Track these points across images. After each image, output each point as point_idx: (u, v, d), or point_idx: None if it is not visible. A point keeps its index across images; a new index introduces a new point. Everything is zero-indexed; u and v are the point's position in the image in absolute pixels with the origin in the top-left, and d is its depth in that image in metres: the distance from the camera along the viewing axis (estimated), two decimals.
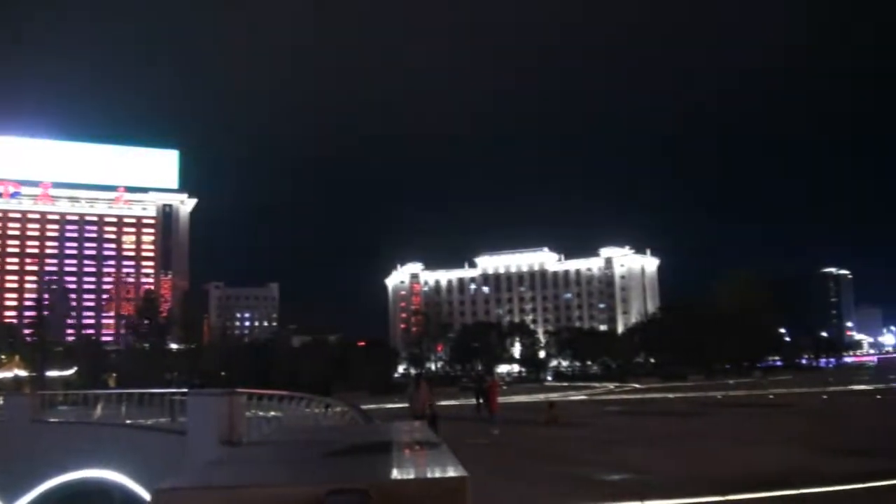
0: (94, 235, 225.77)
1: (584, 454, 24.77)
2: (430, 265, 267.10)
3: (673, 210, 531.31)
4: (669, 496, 15.22)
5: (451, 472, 3.31)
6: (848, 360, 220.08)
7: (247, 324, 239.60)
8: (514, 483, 18.99)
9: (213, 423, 20.11)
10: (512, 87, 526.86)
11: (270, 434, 8.10)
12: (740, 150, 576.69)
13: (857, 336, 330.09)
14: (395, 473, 3.46)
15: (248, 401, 24.84)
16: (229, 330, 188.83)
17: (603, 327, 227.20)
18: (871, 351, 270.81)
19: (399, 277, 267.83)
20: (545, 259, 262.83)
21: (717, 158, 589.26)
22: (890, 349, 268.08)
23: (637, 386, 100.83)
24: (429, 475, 3.47)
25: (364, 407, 49.74)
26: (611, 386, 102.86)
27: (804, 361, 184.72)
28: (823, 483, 16.08)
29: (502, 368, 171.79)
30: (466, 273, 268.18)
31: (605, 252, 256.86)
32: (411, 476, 3.40)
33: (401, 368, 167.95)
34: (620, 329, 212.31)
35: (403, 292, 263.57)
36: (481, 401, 45.33)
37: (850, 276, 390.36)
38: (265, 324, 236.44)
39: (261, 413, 26.73)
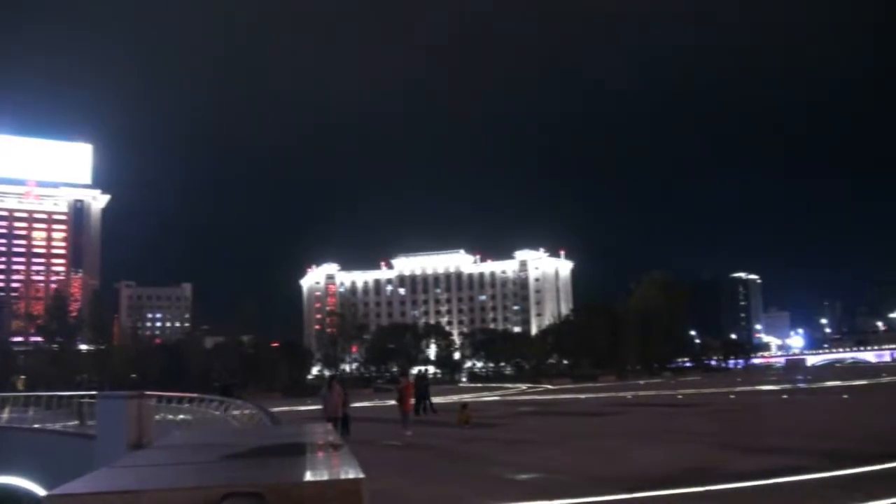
0: (4, 231, 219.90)
1: (496, 454, 24.85)
2: (346, 266, 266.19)
3: (588, 214, 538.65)
4: (579, 494, 15.36)
5: (348, 474, 3.33)
6: (756, 361, 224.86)
7: (158, 324, 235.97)
8: (424, 484, 18.99)
9: (122, 426, 19.78)
10: (426, 87, 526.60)
11: (176, 437, 8.00)
12: (656, 155, 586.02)
13: (766, 338, 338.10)
14: (292, 476, 3.46)
15: (157, 403, 24.52)
16: (140, 331, 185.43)
17: (517, 329, 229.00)
18: (779, 353, 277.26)
19: (314, 278, 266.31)
20: (461, 261, 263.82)
21: (633, 162, 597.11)
22: (797, 351, 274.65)
23: (549, 387, 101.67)
24: (325, 477, 3.47)
25: (277, 409, 49.42)
26: (524, 387, 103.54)
27: (713, 363, 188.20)
28: (728, 480, 16.38)
29: (417, 370, 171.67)
30: (383, 274, 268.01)
31: (521, 255, 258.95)
32: (308, 478, 3.40)
33: (315, 370, 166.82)
34: (534, 331, 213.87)
35: (319, 293, 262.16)
36: (425, 402, 45.37)
37: (759, 281, 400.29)
38: (177, 324, 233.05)
39: (170, 416, 26.38)
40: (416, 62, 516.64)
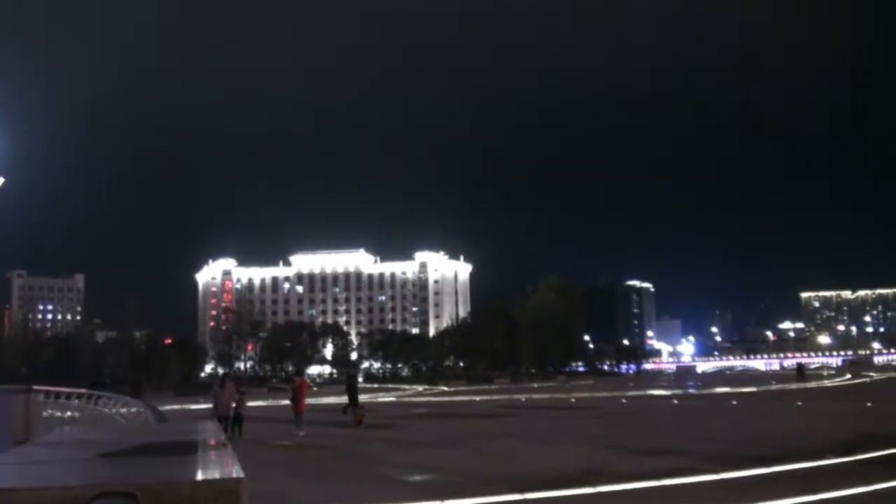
0: None
1: (390, 455, 24.76)
2: (243, 262, 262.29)
3: (489, 218, 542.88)
4: (470, 495, 15.36)
5: (226, 474, 3.24)
6: (648, 367, 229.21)
7: (49, 316, 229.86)
8: (313, 485, 18.76)
9: (8, 422, 19.19)
10: (333, 86, 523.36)
11: (60, 433, 7.73)
12: (559, 163, 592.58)
13: (658, 345, 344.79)
14: (169, 475, 3.35)
15: (46, 399, 23.81)
16: (31, 322, 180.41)
17: (415, 330, 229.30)
18: (671, 359, 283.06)
19: (210, 273, 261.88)
20: (361, 261, 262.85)
21: (537, 169, 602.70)
22: (688, 358, 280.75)
23: (445, 388, 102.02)
24: (203, 476, 3.37)
25: (168, 408, 48.60)
26: (420, 388, 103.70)
27: (606, 367, 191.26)
28: (617, 481, 16.60)
29: (314, 369, 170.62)
30: (281, 271, 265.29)
31: (421, 256, 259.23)
32: (185, 477, 3.29)
33: (209, 368, 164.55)
34: (432, 332, 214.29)
35: (215, 289, 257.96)
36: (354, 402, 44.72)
37: (652, 289, 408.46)
38: (69, 317, 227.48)
39: (58, 413, 25.60)
40: (325, 58, 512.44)
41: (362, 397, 48.80)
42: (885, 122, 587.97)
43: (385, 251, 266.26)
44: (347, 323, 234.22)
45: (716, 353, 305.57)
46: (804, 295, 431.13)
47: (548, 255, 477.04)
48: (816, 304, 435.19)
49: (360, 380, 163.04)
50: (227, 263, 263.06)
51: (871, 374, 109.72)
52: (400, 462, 22.44)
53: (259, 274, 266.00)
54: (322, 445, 28.49)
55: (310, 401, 59.57)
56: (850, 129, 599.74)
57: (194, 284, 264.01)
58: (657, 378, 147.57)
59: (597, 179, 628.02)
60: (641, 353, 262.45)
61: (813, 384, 77.69)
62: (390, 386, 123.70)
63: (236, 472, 3.20)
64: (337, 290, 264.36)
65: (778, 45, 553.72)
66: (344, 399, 42.68)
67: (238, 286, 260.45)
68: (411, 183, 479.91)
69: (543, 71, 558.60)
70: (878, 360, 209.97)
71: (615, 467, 19.39)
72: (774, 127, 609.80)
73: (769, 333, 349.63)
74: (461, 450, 25.87)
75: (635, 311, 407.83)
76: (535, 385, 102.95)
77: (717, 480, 16.84)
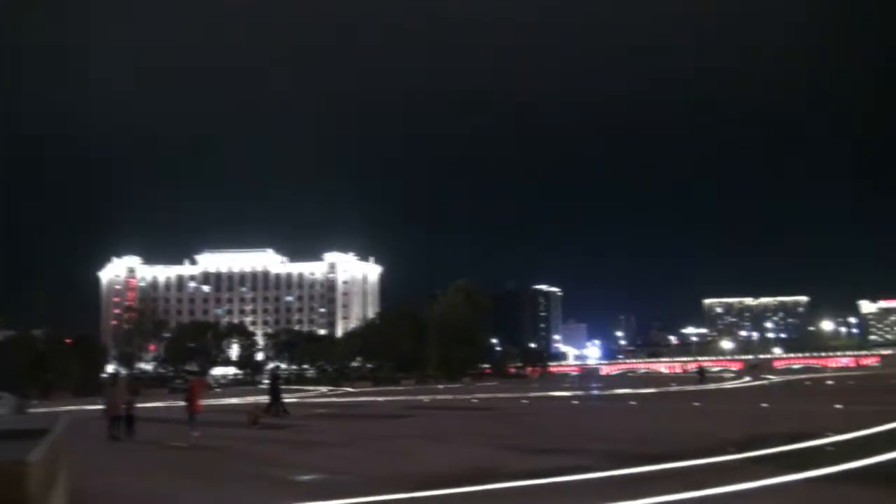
0: None
1: (286, 455, 24.51)
2: (148, 260, 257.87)
3: (399, 221, 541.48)
4: (361, 494, 15.18)
5: (15, 458, 2.98)
6: (553, 369, 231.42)
7: None
8: (200, 486, 18.38)
9: None
10: (246, 80, 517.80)
11: None
12: (472, 167, 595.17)
13: (564, 348, 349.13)
14: None
15: None
16: None
17: (323, 331, 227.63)
18: (576, 362, 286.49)
19: (114, 271, 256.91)
20: (269, 260, 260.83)
21: (449, 172, 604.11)
22: (593, 360, 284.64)
23: (350, 389, 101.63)
24: None
25: (66, 408, 47.47)
26: (324, 389, 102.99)
27: (512, 370, 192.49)
28: (511, 479, 16.59)
29: (219, 370, 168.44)
30: (186, 270, 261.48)
31: (330, 257, 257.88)
32: None
33: (110, 368, 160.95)
34: (340, 333, 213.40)
35: (118, 287, 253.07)
36: (278, 403, 43.94)
37: (560, 294, 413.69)
38: None
39: None
40: (232, 56, 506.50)
41: (263, 399, 48.35)
42: (797, 128, 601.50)
43: (294, 251, 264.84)
44: (254, 323, 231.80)
45: (620, 356, 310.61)
46: (707, 301, 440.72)
47: (458, 259, 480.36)
48: (719, 309, 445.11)
49: (266, 381, 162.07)
50: (132, 261, 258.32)
51: (770, 377, 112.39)
52: (293, 462, 22.15)
53: (164, 272, 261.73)
54: (216, 447, 27.92)
55: (211, 402, 59.14)
56: (761, 135, 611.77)
57: (98, 282, 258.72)
58: (561, 380, 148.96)
59: (508, 185, 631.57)
60: (547, 355, 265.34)
61: (713, 386, 79.18)
62: (294, 387, 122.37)
63: (33, 457, 2.93)
64: (244, 289, 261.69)
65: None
66: (250, 400, 42.16)
67: (142, 284, 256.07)
68: (322, 183, 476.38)
69: (463, 74, 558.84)
70: (777, 364, 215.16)
71: (508, 466, 19.40)
72: (682, 134, 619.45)
73: (672, 338, 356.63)
74: (357, 450, 25.68)
75: (543, 314, 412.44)
76: (440, 386, 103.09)
77: (608, 477, 16.95)
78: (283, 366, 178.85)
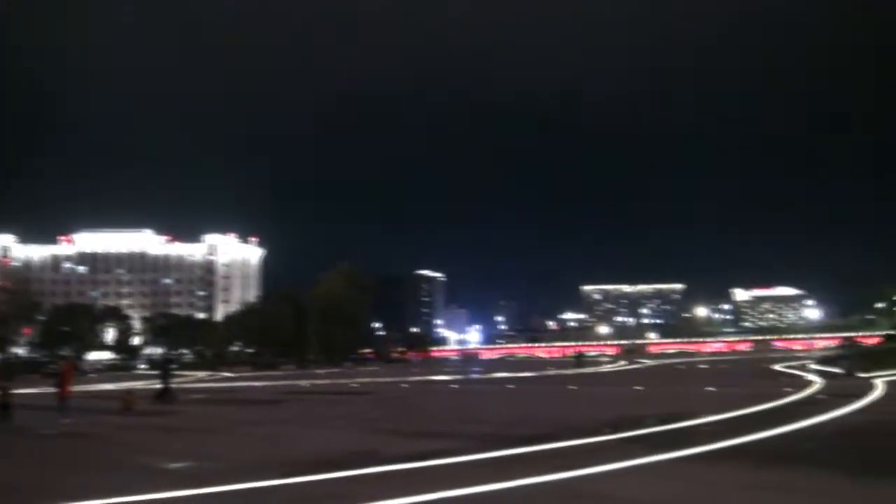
0: None
1: (158, 443, 23.92)
2: (24, 238, 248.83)
3: (282, 203, 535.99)
4: (233, 481, 14.84)
5: None
6: (435, 354, 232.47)
7: None
8: (70, 474, 17.73)
9: None
10: (120, 62, 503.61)
11: None
12: (361, 152, 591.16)
13: (446, 333, 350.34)
14: None
15: None
16: None
17: (202, 315, 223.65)
18: (457, 346, 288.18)
19: None
20: (148, 241, 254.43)
21: (336, 156, 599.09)
22: (474, 345, 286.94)
23: (229, 374, 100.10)
24: None
25: None
26: (202, 374, 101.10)
27: (394, 354, 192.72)
28: (386, 463, 16.49)
29: (94, 355, 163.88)
30: (62, 250, 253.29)
31: (210, 239, 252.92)
32: None
33: None
34: (219, 317, 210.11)
35: None
36: (167, 388, 42.79)
37: (443, 279, 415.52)
38: None
39: None
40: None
41: (138, 384, 47.30)
42: (681, 125, 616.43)
43: (173, 232, 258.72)
44: (131, 306, 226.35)
45: (500, 340, 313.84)
46: (585, 288, 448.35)
47: (342, 244, 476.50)
48: (597, 296, 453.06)
49: (142, 366, 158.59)
50: (6, 239, 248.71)
51: (646, 361, 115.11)
52: (164, 449, 21.66)
53: (38, 252, 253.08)
54: (86, 433, 27.07)
55: (85, 388, 57.36)
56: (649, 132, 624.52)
57: None
58: (442, 364, 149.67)
59: (394, 171, 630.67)
60: (429, 340, 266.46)
61: (589, 370, 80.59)
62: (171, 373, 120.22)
63: None
64: (121, 271, 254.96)
65: None
66: (125, 386, 41.05)
67: (15, 264, 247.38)
68: (204, 162, 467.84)
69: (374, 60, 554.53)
70: (653, 348, 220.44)
71: (383, 450, 19.28)
72: (566, 125, 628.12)
73: (552, 323, 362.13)
74: (232, 436, 25.29)
75: (426, 299, 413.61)
76: (321, 371, 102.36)
77: (483, 460, 17.02)
78: (160, 350, 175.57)
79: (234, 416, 34.46)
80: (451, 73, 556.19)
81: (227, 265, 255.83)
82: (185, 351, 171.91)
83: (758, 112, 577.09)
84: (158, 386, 44.41)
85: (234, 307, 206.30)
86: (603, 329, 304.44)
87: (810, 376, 51.08)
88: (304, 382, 66.99)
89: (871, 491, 13.17)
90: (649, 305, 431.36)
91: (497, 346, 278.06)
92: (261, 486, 14.49)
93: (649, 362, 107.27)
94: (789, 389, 38.02)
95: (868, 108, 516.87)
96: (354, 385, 60.09)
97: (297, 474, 15.30)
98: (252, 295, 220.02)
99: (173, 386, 44.59)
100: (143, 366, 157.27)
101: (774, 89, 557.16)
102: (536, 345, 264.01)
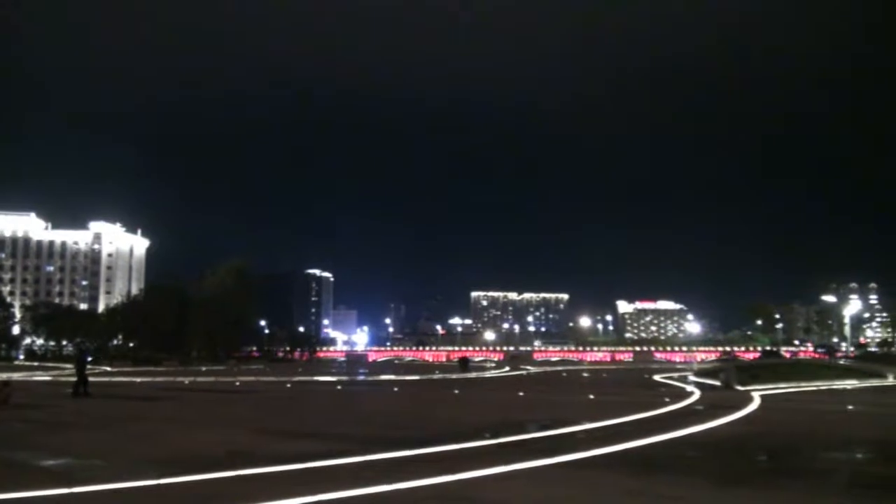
0: None
1: (33, 438, 23.10)
2: None
3: (172, 194, 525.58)
4: (107, 481, 14.45)
5: None
6: (322, 354, 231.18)
7: None
8: None
9: None
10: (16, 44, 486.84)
11: None
12: (252, 149, 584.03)
13: (333, 333, 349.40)
14: None
15: None
16: None
17: (84, 306, 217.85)
18: (345, 347, 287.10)
19: None
20: (31, 226, 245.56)
21: (228, 153, 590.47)
22: (361, 347, 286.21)
23: (108, 369, 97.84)
24: None
25: None
26: None
27: (280, 353, 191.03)
28: (266, 464, 16.27)
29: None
30: None
31: (96, 227, 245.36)
32: None
33: None
34: (102, 309, 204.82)
35: None
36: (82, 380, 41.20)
37: (332, 279, 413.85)
38: None
39: None
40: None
41: (16, 375, 45.85)
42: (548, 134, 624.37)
43: (58, 217, 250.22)
44: (12, 293, 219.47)
45: (388, 343, 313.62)
46: (474, 294, 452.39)
47: (230, 239, 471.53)
48: (485, 302, 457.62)
49: (21, 357, 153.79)
50: None
51: (530, 368, 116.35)
52: (40, 445, 20.91)
53: None
54: None
55: None
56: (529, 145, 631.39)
57: None
58: (328, 365, 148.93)
59: (287, 169, 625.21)
60: (316, 340, 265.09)
61: (474, 375, 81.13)
62: (50, 364, 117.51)
63: None
64: (2, 256, 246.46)
65: None
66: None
67: None
68: (93, 144, 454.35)
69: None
70: (537, 356, 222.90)
71: (263, 450, 19.07)
72: (458, 131, 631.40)
73: (439, 328, 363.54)
74: (109, 433, 24.66)
75: (314, 299, 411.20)
76: (204, 368, 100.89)
77: (364, 462, 16.94)
78: (40, 341, 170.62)
79: (112, 412, 33.61)
80: (341, 73, 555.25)
81: (111, 255, 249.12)
82: (65, 342, 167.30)
83: (646, 129, 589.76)
84: (73, 379, 43.07)
85: (116, 299, 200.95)
86: (489, 335, 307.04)
87: (689, 388, 52.37)
88: (185, 379, 65.81)
89: (733, 499, 13.67)
90: (535, 314, 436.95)
91: (385, 348, 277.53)
92: (136, 486, 14.16)
93: (533, 369, 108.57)
94: (668, 399, 38.95)
95: (747, 129, 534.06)
96: (237, 384, 59.36)
97: (174, 474, 14.97)
98: (136, 287, 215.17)
99: (90, 379, 43.30)
100: (21, 356, 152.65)
101: (662, 106, 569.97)
102: (424, 349, 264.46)
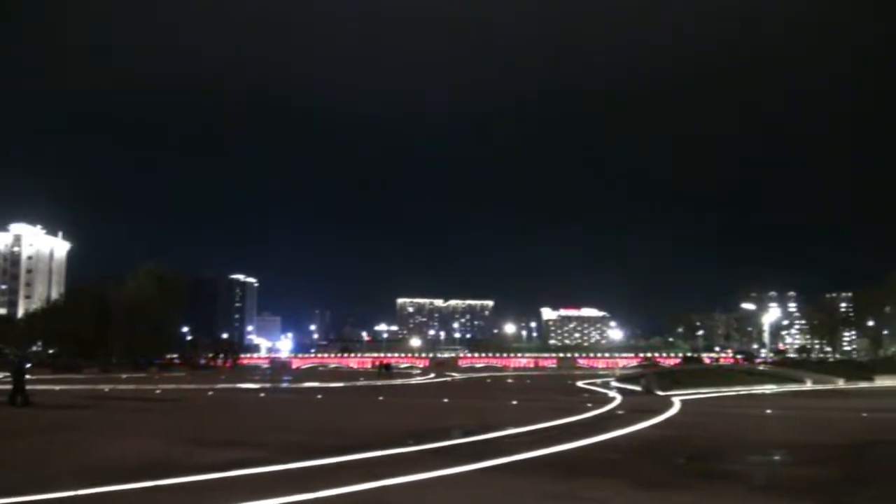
0: None
1: None
2: None
3: (94, 196, 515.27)
4: (22, 493, 14.12)
5: None
6: (245, 361, 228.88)
7: None
8: None
9: None
10: None
11: None
12: (175, 152, 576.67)
13: (257, 340, 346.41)
14: None
15: None
16: None
17: (3, 310, 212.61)
18: (269, 354, 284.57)
19: None
20: None
21: (154, 155, 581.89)
22: (286, 353, 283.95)
23: (28, 377, 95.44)
24: None
25: None
26: None
27: (203, 360, 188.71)
28: (185, 473, 16.06)
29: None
30: None
31: (16, 228, 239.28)
32: None
33: None
34: (22, 314, 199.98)
35: None
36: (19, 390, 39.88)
37: (256, 285, 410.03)
38: None
39: None
40: None
41: None
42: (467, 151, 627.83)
43: None
44: None
45: (313, 350, 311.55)
46: (400, 300, 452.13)
47: (152, 244, 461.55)
48: (410, 309, 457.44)
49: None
50: None
51: (455, 374, 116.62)
52: None
53: None
54: None
55: None
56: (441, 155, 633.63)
57: None
58: (252, 372, 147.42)
59: (212, 173, 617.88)
60: (240, 346, 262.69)
61: (399, 382, 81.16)
62: None
63: None
64: None
65: None
66: None
67: None
68: (13, 144, 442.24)
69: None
70: (462, 362, 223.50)
71: (184, 459, 18.80)
72: (387, 137, 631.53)
73: (365, 334, 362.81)
74: (23, 442, 24.08)
75: (238, 305, 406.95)
76: (125, 376, 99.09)
77: (286, 470, 16.86)
78: None
79: (29, 421, 32.77)
80: (276, 75, 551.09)
81: (31, 258, 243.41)
82: None
83: (579, 138, 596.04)
84: (9, 388, 41.88)
85: (36, 304, 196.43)
86: (415, 341, 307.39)
87: (611, 393, 53.09)
88: (106, 387, 64.66)
89: (654, 501, 13.94)
90: (461, 320, 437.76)
91: (309, 355, 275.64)
92: (52, 499, 13.86)
93: (458, 375, 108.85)
94: (590, 405, 39.36)
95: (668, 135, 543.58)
96: (158, 391, 58.44)
97: (92, 485, 14.71)
98: (57, 292, 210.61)
99: (28, 388, 42.16)
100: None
101: (593, 112, 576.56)
102: (349, 355, 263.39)
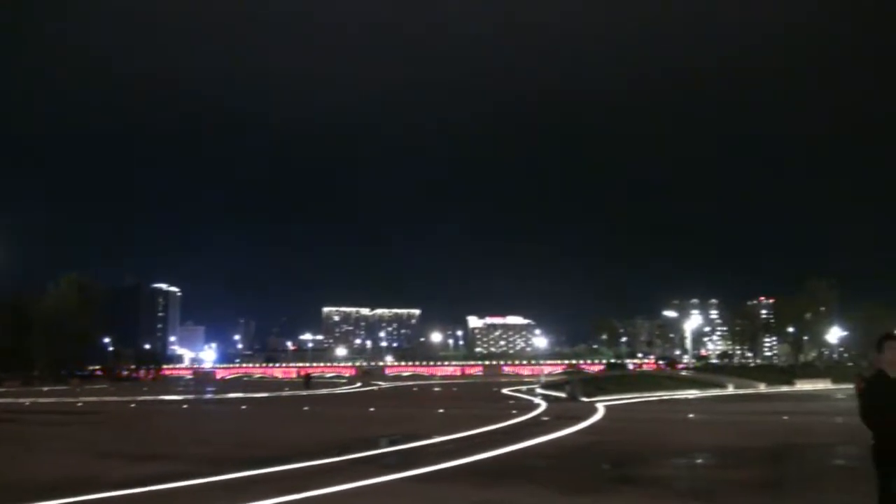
0: None
1: None
2: None
3: (10, 203, 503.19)
4: None
5: None
6: (167, 372, 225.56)
7: None
8: None
9: None
10: None
11: None
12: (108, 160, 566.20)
13: (180, 350, 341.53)
14: None
15: None
16: None
17: None
18: (192, 365, 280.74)
19: None
20: None
21: (69, 158, 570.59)
22: (210, 364, 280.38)
23: None
24: None
25: None
26: None
27: (125, 372, 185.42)
28: (105, 489, 15.74)
29: None
30: None
31: None
32: None
33: None
34: None
35: None
36: None
37: (179, 294, 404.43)
38: None
39: None
40: None
41: None
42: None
43: None
44: None
45: (237, 360, 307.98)
46: (325, 309, 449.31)
47: (75, 250, 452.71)
48: (336, 318, 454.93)
49: None
50: None
51: (381, 383, 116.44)
52: None
53: None
54: None
55: None
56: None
57: None
58: (175, 383, 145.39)
59: (134, 179, 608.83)
60: (162, 357, 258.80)
61: (324, 391, 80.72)
62: None
63: None
64: None
65: None
66: None
67: None
68: None
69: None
70: (389, 371, 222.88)
71: (105, 474, 18.41)
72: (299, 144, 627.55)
73: (290, 343, 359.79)
74: None
75: (160, 314, 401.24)
76: (46, 389, 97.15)
77: (211, 483, 16.68)
78: None
79: None
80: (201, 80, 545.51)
81: None
82: None
83: (490, 144, 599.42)
84: None
85: None
86: (341, 351, 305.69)
87: (536, 400, 53.46)
88: (26, 400, 63.21)
89: None
90: (388, 329, 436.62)
91: (234, 365, 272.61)
92: None
93: (385, 384, 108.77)
94: (515, 412, 39.64)
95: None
96: (79, 404, 57.28)
97: (9, 502, 14.39)
98: None
99: None
100: None
101: (506, 122, 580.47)
102: (274, 365, 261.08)
